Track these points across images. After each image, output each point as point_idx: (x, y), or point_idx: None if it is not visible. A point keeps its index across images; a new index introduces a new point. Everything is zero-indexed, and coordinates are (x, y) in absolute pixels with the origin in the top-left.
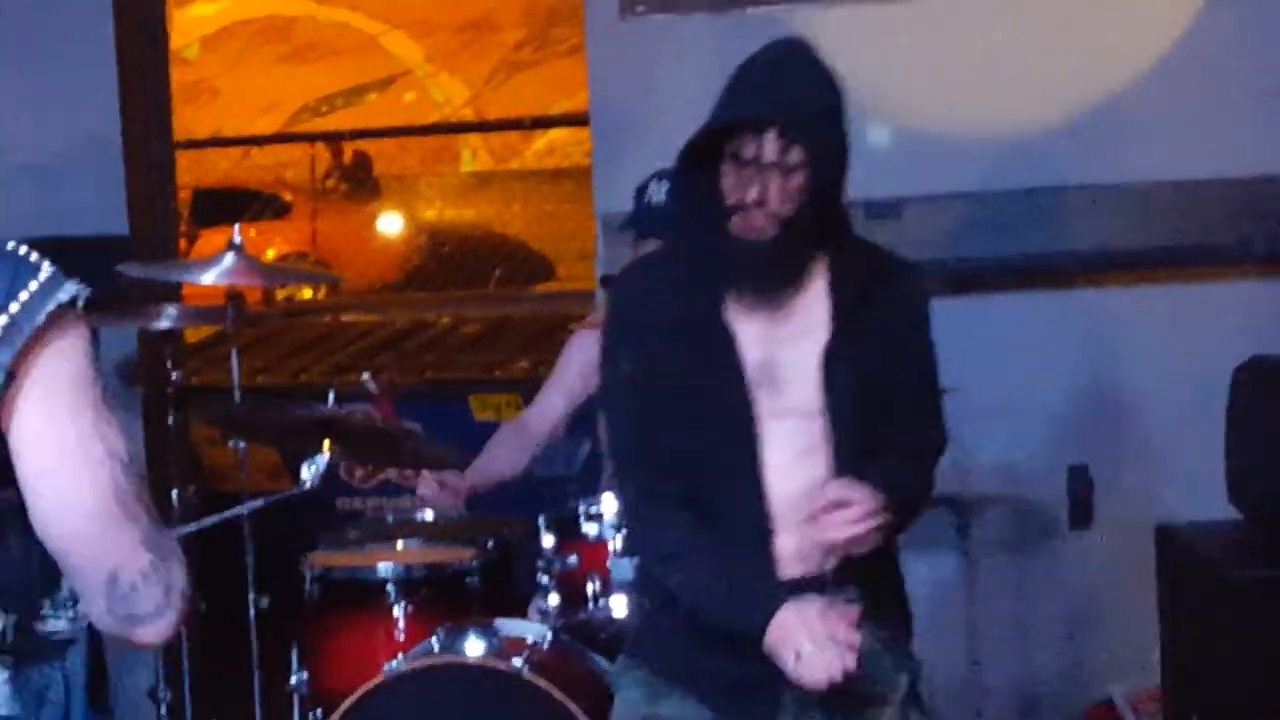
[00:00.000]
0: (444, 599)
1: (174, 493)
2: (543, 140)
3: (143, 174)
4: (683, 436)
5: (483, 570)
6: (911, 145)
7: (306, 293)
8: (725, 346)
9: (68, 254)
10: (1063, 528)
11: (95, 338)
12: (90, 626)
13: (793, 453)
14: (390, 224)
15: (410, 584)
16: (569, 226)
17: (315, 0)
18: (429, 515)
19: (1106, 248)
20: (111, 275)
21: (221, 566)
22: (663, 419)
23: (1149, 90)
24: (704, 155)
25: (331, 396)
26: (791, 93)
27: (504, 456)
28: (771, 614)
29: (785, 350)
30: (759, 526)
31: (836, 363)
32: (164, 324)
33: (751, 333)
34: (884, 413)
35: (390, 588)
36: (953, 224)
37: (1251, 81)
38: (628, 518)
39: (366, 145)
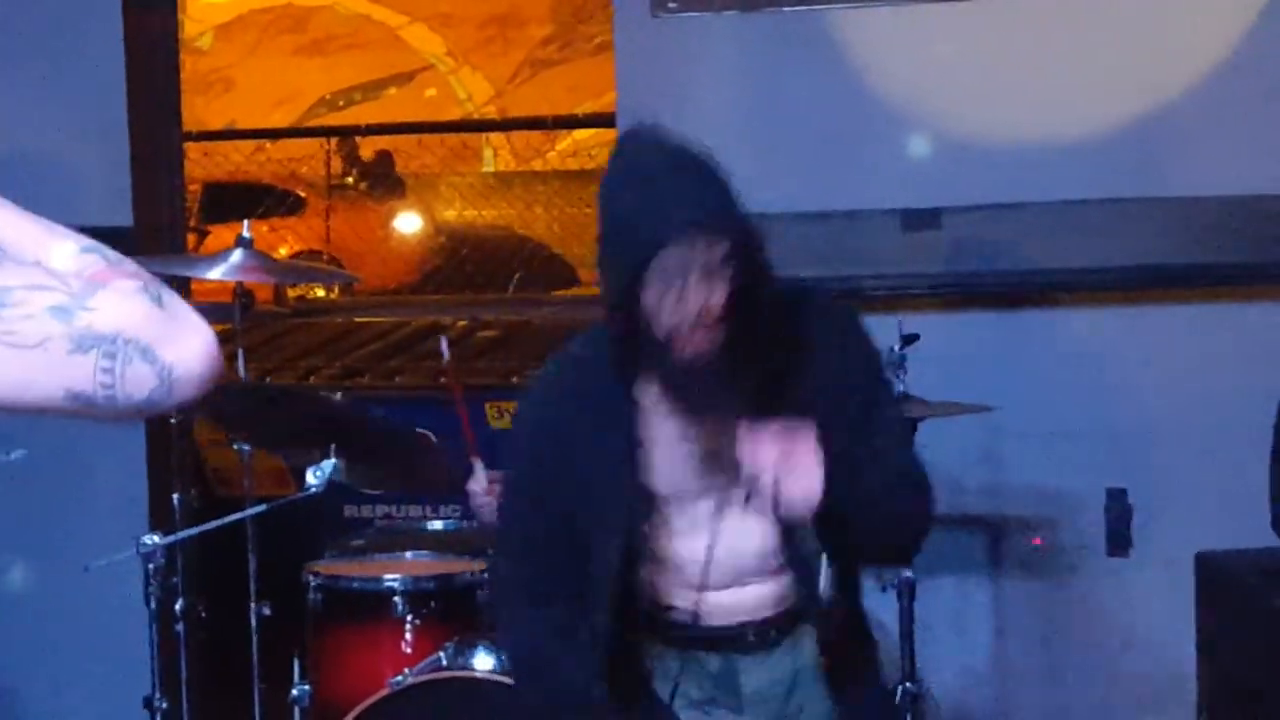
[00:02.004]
0: (453, 612)
1: (175, 496)
2: (567, 140)
3: (150, 164)
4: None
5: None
6: (951, 153)
7: (319, 292)
8: (634, 450)
9: None
10: (1099, 554)
11: None
12: None
13: (756, 518)
14: (408, 223)
15: (418, 596)
16: (593, 230)
17: None
18: (439, 525)
19: (1152, 263)
20: None
21: (223, 573)
22: (562, 523)
23: (1197, 103)
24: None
25: (339, 398)
26: (692, 190)
27: None
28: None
29: (730, 439)
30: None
31: None
32: None
33: (687, 427)
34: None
35: (397, 599)
36: (992, 235)
37: None
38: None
39: (385, 141)
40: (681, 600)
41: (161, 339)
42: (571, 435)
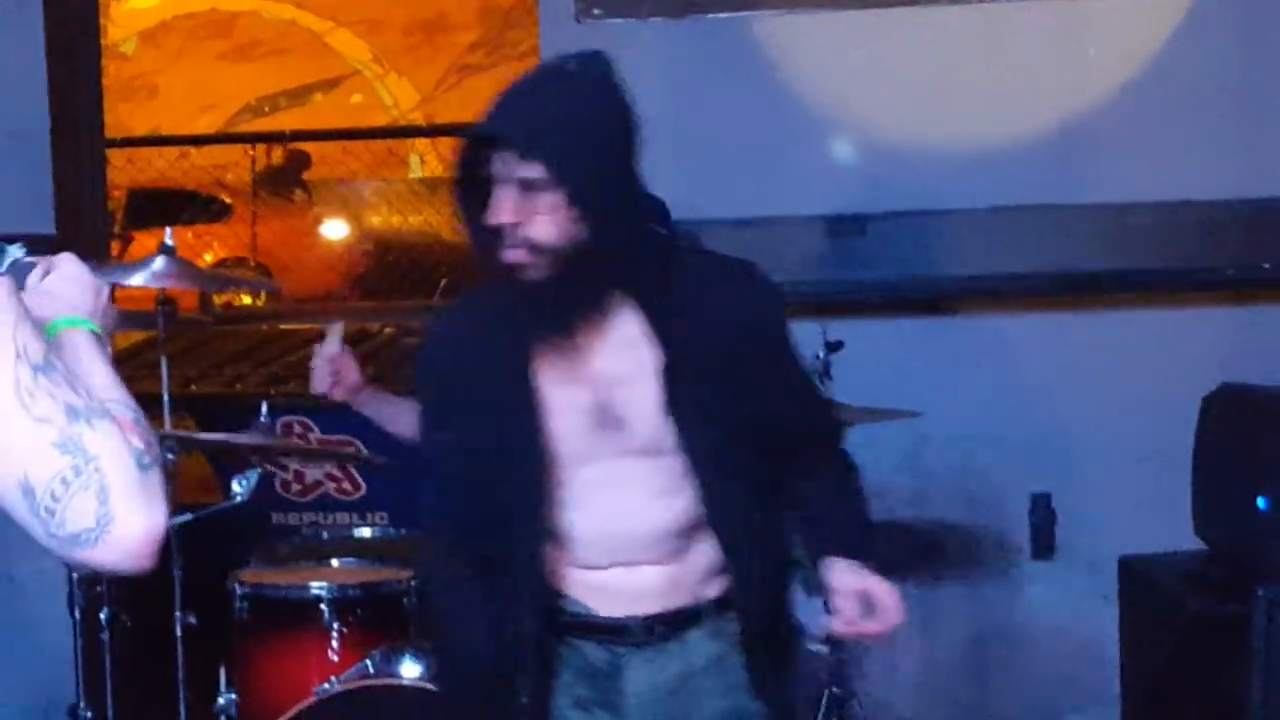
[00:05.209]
0: (379, 620)
1: None
2: None
3: (72, 171)
4: (487, 495)
5: (420, 591)
6: (876, 160)
7: (246, 299)
8: (527, 398)
9: None
10: (1024, 558)
11: None
12: None
13: (651, 491)
14: (334, 230)
15: (345, 604)
16: None
17: None
18: (366, 533)
19: (1074, 269)
20: None
21: (148, 582)
22: (470, 478)
23: (1120, 110)
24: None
25: (265, 407)
26: (536, 110)
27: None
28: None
29: (621, 390)
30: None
31: (678, 400)
32: None
33: (574, 374)
34: (756, 434)
35: (324, 607)
36: (916, 242)
37: (1225, 104)
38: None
39: (310, 147)
40: (569, 581)
41: (123, 493)
42: (474, 371)
